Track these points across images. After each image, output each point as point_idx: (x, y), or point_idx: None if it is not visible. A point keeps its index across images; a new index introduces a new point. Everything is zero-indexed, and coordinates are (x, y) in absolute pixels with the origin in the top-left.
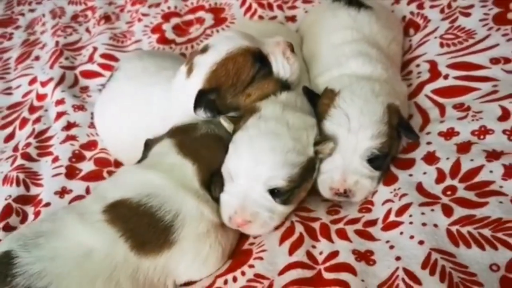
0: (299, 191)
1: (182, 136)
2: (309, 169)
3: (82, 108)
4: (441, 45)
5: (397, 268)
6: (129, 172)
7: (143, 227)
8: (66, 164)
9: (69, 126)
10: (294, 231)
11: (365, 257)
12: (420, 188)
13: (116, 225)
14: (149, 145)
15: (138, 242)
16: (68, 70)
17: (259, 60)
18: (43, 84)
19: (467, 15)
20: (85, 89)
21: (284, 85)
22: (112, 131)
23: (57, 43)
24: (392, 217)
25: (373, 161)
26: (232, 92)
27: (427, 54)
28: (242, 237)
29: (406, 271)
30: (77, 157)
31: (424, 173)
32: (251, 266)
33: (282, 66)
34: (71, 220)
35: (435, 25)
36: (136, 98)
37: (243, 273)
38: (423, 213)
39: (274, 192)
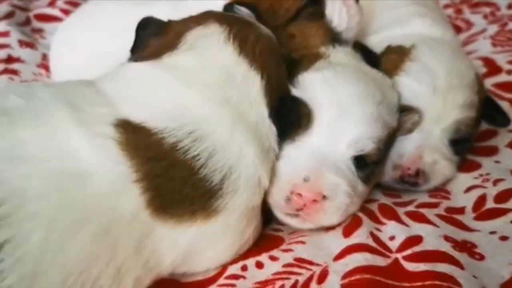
0: (377, 172)
1: (241, 26)
2: (389, 145)
3: (32, 46)
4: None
5: None
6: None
7: (175, 183)
8: None
9: (11, 59)
10: None
11: (466, 248)
12: None
13: (134, 159)
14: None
15: (163, 198)
16: (19, 10)
17: None
18: None
19: None
20: (39, 31)
21: (335, 39)
22: (80, 57)
23: None
24: (489, 205)
25: (458, 143)
26: (272, 21)
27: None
28: None
29: None
30: None
31: None
32: (287, 250)
33: (339, 13)
34: (58, 107)
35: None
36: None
37: (273, 258)
38: None
39: (357, 162)
